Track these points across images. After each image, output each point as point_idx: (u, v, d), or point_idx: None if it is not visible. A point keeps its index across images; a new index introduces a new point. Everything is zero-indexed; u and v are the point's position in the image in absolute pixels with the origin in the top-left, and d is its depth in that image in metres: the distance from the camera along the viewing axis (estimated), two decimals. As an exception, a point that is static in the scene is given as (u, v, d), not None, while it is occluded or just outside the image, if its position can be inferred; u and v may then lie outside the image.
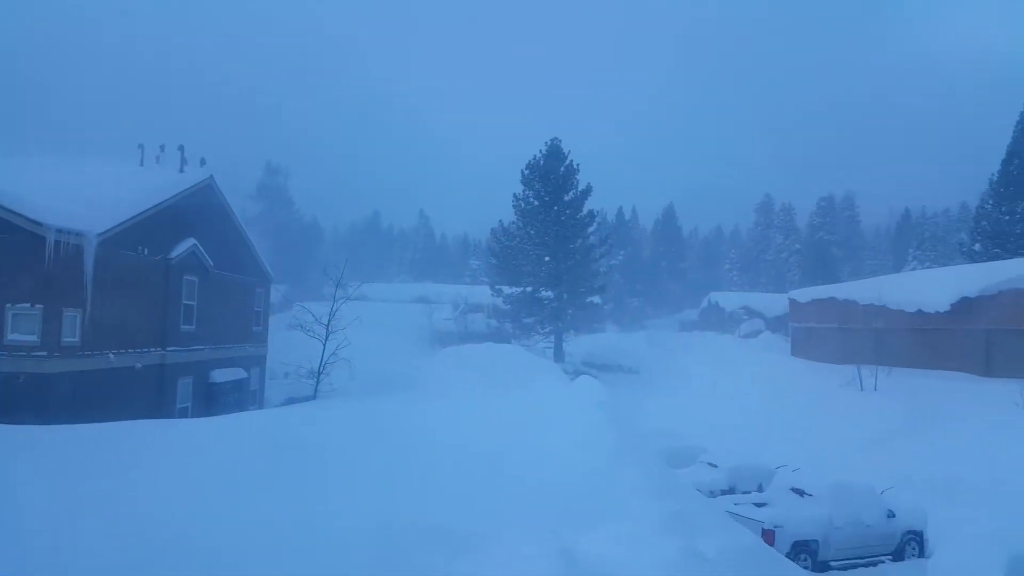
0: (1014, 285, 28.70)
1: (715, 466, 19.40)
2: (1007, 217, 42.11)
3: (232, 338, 24.44)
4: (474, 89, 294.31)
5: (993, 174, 44.02)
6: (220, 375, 22.95)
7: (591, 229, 46.68)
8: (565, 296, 44.05)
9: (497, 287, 44.98)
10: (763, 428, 26.28)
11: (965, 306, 29.81)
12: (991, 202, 44.03)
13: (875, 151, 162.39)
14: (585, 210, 44.91)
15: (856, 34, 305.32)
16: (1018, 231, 41.47)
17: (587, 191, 44.63)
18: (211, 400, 21.94)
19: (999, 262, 34.18)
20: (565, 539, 8.54)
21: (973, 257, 42.61)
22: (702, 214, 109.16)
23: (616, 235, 71.60)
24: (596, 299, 47.48)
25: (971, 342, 30.05)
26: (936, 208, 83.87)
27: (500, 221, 47.21)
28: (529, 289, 44.06)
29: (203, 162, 23.69)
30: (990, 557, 11.03)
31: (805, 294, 42.65)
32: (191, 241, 20.88)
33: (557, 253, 43.33)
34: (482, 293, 55.90)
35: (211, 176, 23.01)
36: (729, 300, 68.53)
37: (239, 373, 24.37)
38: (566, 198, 44.51)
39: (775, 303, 59.91)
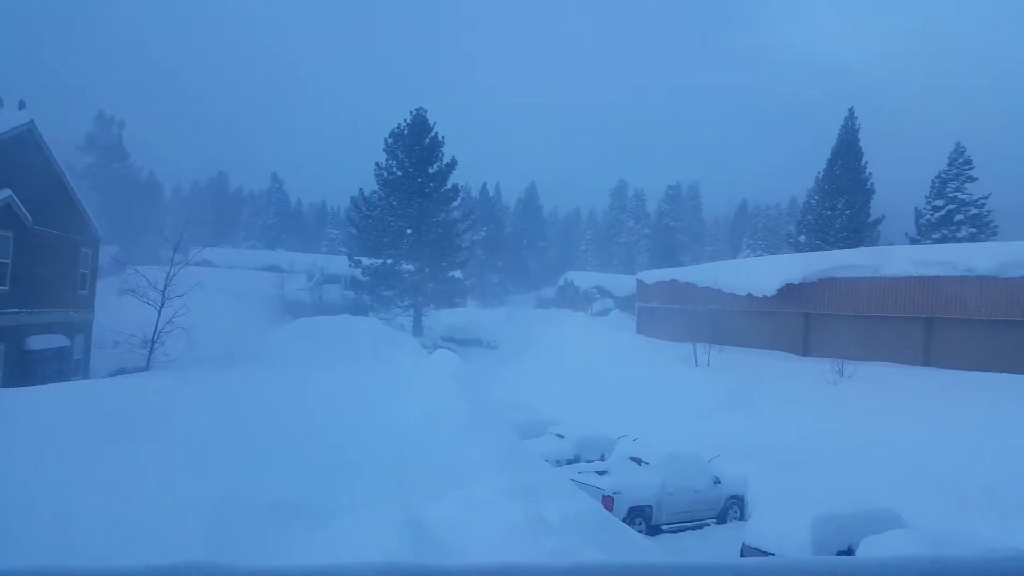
0: (830, 274, 31.86)
1: (563, 437, 20.14)
2: (829, 212, 46.59)
3: (53, 302, 22.15)
4: (337, 55, 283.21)
5: (819, 172, 48.46)
6: (37, 342, 20.75)
7: (455, 203, 46.53)
8: (426, 270, 43.74)
9: (356, 258, 43.86)
10: (609, 401, 27.60)
11: (789, 292, 32.74)
12: (816, 198, 48.51)
13: (721, 145, 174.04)
14: (449, 184, 44.68)
15: (711, 31, 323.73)
16: (838, 225, 46.02)
17: (452, 164, 44.38)
18: (27, 369, 19.80)
19: (819, 253, 37.77)
20: (414, 509, 8.53)
21: (799, 247, 46.85)
22: (562, 195, 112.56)
23: (479, 211, 71.98)
24: (457, 274, 47.56)
25: (793, 324, 33.14)
26: (769, 201, 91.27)
27: (361, 190, 45.98)
28: (389, 261, 43.33)
29: (22, 105, 21.10)
30: (799, 517, 12.26)
31: (651, 276, 45.04)
32: (6, 192, 18.61)
33: (419, 226, 42.84)
34: (339, 264, 54.30)
35: (31, 121, 20.56)
36: (584, 279, 71.11)
37: (60, 340, 22.16)
38: (430, 170, 44.04)
39: (625, 283, 62.88)
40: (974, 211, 44.87)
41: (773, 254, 56.06)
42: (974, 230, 43.93)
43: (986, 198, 45.14)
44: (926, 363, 28.21)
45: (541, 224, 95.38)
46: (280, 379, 13.30)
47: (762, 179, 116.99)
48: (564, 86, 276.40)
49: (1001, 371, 24.51)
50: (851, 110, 47.65)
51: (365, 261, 43.47)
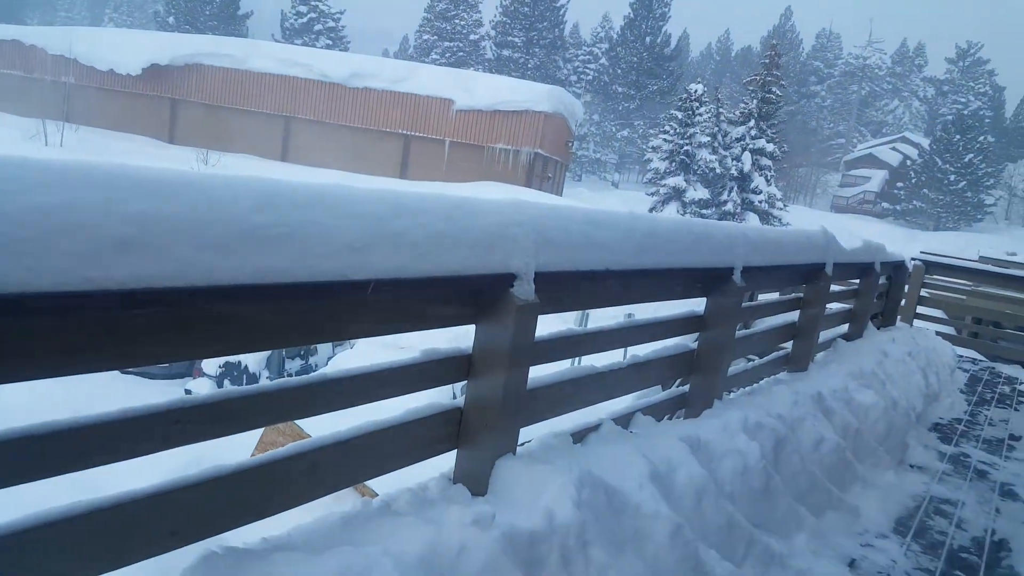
0: (198, 60, 31.45)
1: None
2: (198, -6, 44.78)
3: None
4: None
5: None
6: None
7: None
8: None
9: None
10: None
11: (155, 73, 31.17)
12: (186, -23, 45.76)
13: None
14: None
15: None
16: (208, 12, 44.80)
17: None
18: None
19: (188, 35, 36.50)
20: None
21: (167, 28, 44.08)
22: None
23: None
24: None
25: (159, 108, 31.99)
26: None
27: None
28: None
29: None
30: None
31: (-17, 33, 36.32)
32: None
33: None
34: None
35: None
36: None
37: None
38: None
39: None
40: (331, 24, 49.59)
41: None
42: (330, 42, 48.82)
43: (342, 13, 50.26)
44: (284, 158, 31.37)
45: None
46: None
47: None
48: None
49: (345, 170, 28.88)
50: None
51: None
